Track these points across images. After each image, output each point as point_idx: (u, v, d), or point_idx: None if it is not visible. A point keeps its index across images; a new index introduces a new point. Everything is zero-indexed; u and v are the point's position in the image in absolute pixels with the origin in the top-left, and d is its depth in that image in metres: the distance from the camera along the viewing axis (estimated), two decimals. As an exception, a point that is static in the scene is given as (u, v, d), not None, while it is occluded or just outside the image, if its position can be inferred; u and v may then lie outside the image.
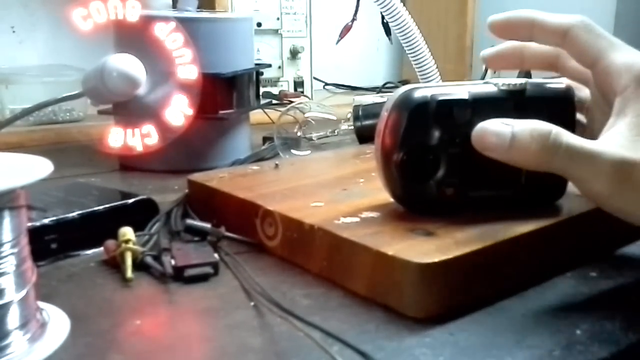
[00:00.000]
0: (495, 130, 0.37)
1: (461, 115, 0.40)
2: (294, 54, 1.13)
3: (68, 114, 0.92)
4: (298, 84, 1.14)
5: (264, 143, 0.78)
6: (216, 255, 0.42)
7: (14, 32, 1.05)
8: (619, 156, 0.35)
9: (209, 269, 0.40)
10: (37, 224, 0.42)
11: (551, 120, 0.41)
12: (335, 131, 0.72)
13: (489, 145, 0.37)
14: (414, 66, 0.80)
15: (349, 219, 0.41)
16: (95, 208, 0.46)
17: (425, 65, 0.79)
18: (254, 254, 0.44)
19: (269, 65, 1.00)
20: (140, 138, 0.65)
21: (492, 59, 0.47)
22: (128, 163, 0.69)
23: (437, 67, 0.80)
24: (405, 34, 0.78)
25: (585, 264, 0.42)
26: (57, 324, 0.34)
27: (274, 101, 1.00)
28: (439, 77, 0.81)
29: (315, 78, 1.19)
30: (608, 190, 0.35)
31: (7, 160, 0.33)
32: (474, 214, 0.40)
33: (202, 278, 0.40)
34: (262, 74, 0.87)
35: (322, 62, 1.25)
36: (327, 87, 1.34)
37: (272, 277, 0.40)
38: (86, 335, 0.33)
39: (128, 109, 0.67)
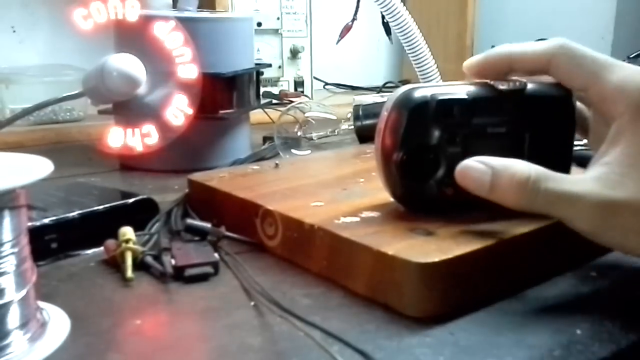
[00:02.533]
0: (475, 172, 0.36)
1: (461, 114, 0.40)
2: (294, 53, 1.13)
3: (68, 113, 0.92)
4: (298, 83, 1.14)
5: (264, 143, 0.78)
6: (216, 254, 0.42)
7: (14, 32, 1.05)
8: (602, 197, 0.34)
9: (209, 269, 0.40)
10: (37, 223, 0.42)
11: (551, 120, 0.41)
12: (336, 131, 0.72)
13: (471, 186, 0.37)
14: (414, 66, 0.80)
15: (349, 219, 0.41)
16: (96, 208, 0.46)
17: (425, 65, 0.79)
18: (254, 254, 0.44)
19: (269, 65, 1.01)
20: (140, 138, 0.65)
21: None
22: (128, 163, 0.69)
23: (437, 67, 0.80)
24: (405, 34, 0.78)
25: (585, 264, 0.42)
26: (57, 323, 0.34)
27: (274, 101, 1.00)
28: (439, 77, 0.81)
29: (315, 78, 1.19)
30: (592, 228, 0.35)
31: (7, 160, 0.33)
32: (474, 214, 0.40)
33: (202, 278, 0.40)
34: (262, 73, 0.87)
35: (322, 62, 1.25)
36: (327, 86, 1.35)
37: (272, 277, 0.40)
38: (86, 335, 0.33)
39: (128, 108, 0.67)
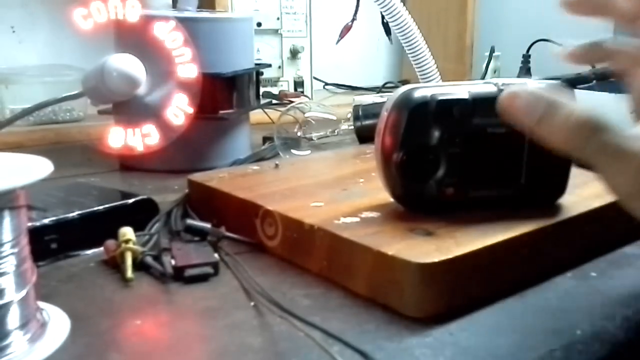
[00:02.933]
0: (527, 98, 0.33)
1: (461, 114, 0.40)
2: (294, 53, 1.13)
3: (68, 113, 0.92)
4: (298, 83, 1.14)
5: (264, 143, 0.78)
6: (216, 255, 0.42)
7: (14, 32, 1.05)
8: None
9: (209, 269, 0.40)
10: (37, 224, 0.42)
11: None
12: (335, 131, 0.72)
13: (517, 111, 0.34)
14: (414, 66, 0.80)
15: (349, 219, 0.41)
16: (95, 208, 0.46)
17: (425, 65, 0.79)
18: (254, 254, 0.44)
19: (269, 65, 1.00)
20: (141, 138, 0.65)
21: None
22: (128, 163, 0.69)
23: (437, 67, 0.80)
24: (405, 34, 0.78)
25: (585, 264, 0.42)
26: (57, 324, 0.34)
27: (274, 101, 1.00)
28: (439, 77, 0.81)
29: (315, 78, 1.19)
30: (633, 191, 0.32)
31: (7, 160, 0.32)
32: (474, 214, 0.40)
33: (202, 278, 0.40)
34: (262, 73, 0.87)
35: (322, 62, 1.24)
36: (327, 87, 1.34)
37: (272, 277, 0.40)
38: (86, 335, 0.33)
39: (128, 108, 0.67)
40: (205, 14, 0.72)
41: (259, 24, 1.09)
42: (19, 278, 0.31)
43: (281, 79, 1.13)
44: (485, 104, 0.40)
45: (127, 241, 0.41)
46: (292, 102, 0.95)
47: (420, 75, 0.80)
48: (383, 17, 0.79)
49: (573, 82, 0.44)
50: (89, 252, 0.44)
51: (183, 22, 0.64)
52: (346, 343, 0.30)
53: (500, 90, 0.40)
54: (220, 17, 0.74)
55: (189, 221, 0.46)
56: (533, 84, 0.41)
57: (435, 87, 0.41)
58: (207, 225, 0.45)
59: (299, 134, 0.71)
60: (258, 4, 1.09)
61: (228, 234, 0.45)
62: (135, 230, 0.43)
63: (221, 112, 0.69)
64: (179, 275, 0.39)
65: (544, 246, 0.40)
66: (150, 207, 0.49)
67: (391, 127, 0.40)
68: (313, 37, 1.14)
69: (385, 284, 0.36)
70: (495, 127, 0.41)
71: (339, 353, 0.29)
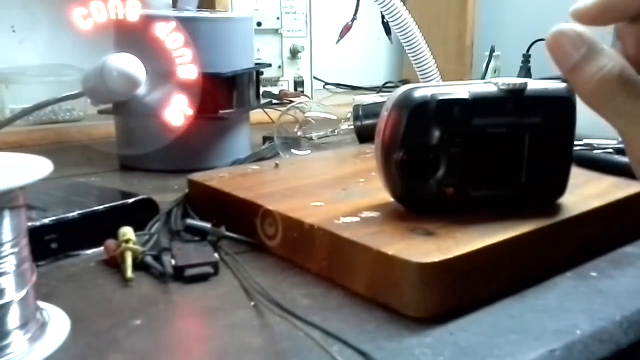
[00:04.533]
0: (569, 42, 0.32)
1: (461, 114, 0.40)
2: (294, 53, 1.13)
3: (68, 113, 0.92)
4: (298, 83, 1.14)
5: (264, 143, 0.78)
6: (216, 254, 0.42)
7: (14, 31, 1.05)
8: None
9: (209, 269, 0.40)
10: (37, 223, 0.42)
11: (551, 120, 0.41)
12: (335, 131, 0.72)
13: (556, 54, 0.32)
14: (414, 66, 0.80)
15: (349, 219, 0.41)
16: (95, 208, 0.46)
17: (425, 64, 0.79)
18: (254, 254, 0.44)
19: (269, 65, 1.00)
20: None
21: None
22: (128, 163, 0.69)
23: (437, 67, 0.80)
24: (405, 34, 0.78)
25: (585, 264, 0.42)
26: (57, 323, 0.34)
27: (274, 101, 1.00)
28: (439, 77, 0.81)
29: (315, 77, 1.19)
30: None
31: (7, 160, 0.32)
32: (474, 214, 0.40)
33: (202, 278, 0.40)
34: (262, 73, 0.87)
35: (322, 62, 1.25)
36: (327, 86, 1.34)
37: (272, 277, 0.40)
38: (86, 335, 0.33)
39: (128, 108, 0.67)
40: (205, 14, 0.72)
41: (259, 24, 1.09)
42: (19, 278, 0.31)
43: (281, 78, 1.13)
44: (485, 104, 0.40)
45: (127, 241, 0.41)
46: (292, 101, 0.95)
47: (420, 75, 0.80)
48: (383, 16, 0.79)
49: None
50: (89, 251, 0.44)
51: (183, 22, 0.64)
52: (346, 343, 0.30)
53: (501, 90, 0.40)
54: (220, 17, 0.74)
55: (189, 221, 0.46)
56: (531, 86, 0.40)
57: (435, 87, 0.41)
58: (207, 225, 0.45)
59: (299, 133, 0.71)
60: (258, 4, 1.09)
61: (228, 233, 0.45)
62: (135, 230, 0.43)
63: (221, 111, 0.69)
64: (179, 275, 0.39)
65: (544, 246, 0.40)
66: (150, 207, 0.49)
67: (391, 126, 0.40)
68: (313, 36, 1.14)
69: (385, 284, 0.36)
70: (495, 127, 0.41)
71: (339, 353, 0.29)
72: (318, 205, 0.44)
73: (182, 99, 0.65)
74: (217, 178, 0.52)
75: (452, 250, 0.35)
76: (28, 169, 0.31)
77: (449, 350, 0.32)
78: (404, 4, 0.78)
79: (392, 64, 1.52)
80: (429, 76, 0.80)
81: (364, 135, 0.70)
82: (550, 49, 0.33)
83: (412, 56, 0.79)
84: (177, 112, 0.65)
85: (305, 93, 1.14)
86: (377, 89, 1.30)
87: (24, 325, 0.31)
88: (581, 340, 0.33)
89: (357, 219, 0.41)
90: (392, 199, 0.42)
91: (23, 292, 0.31)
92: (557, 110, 0.41)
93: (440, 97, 0.40)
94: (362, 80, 1.38)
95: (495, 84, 0.41)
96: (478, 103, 0.40)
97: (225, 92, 0.69)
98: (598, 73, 0.31)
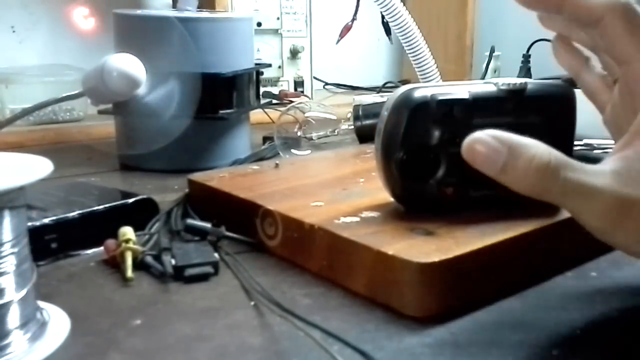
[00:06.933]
0: (486, 148, 0.32)
1: (461, 114, 0.40)
2: (294, 53, 1.13)
3: (68, 113, 0.92)
4: (298, 83, 1.14)
5: (264, 143, 0.78)
6: (216, 254, 0.42)
7: (14, 31, 1.05)
8: (618, 195, 0.32)
9: (209, 269, 0.40)
10: (37, 223, 0.42)
11: (551, 120, 0.41)
12: (336, 131, 0.72)
13: (479, 163, 0.33)
14: (414, 66, 0.80)
15: (349, 219, 0.41)
16: (96, 208, 0.46)
17: (425, 65, 0.79)
18: (254, 254, 0.44)
19: (269, 65, 1.00)
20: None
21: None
22: (128, 163, 0.69)
23: (437, 67, 0.80)
24: (405, 34, 0.78)
25: (585, 264, 0.42)
26: (57, 323, 0.34)
27: (274, 101, 1.00)
28: (439, 77, 0.81)
29: (315, 78, 1.19)
30: (602, 226, 0.32)
31: (7, 160, 0.33)
32: (474, 214, 0.40)
33: (202, 278, 0.40)
34: (262, 73, 0.87)
35: (322, 62, 1.25)
36: (327, 86, 1.34)
37: (272, 277, 0.40)
38: (86, 335, 0.33)
39: (128, 108, 0.67)
40: (205, 14, 0.72)
41: (259, 24, 1.09)
42: (19, 278, 0.31)
43: (281, 78, 1.13)
44: (485, 104, 0.40)
45: (127, 241, 0.41)
46: (292, 101, 0.95)
47: (420, 75, 0.80)
48: (383, 17, 0.79)
49: (573, 82, 0.44)
50: (89, 251, 0.44)
51: (183, 22, 0.64)
52: (346, 342, 0.30)
53: (501, 90, 0.40)
54: (220, 17, 0.74)
55: (189, 221, 0.46)
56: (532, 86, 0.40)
57: (436, 87, 0.41)
58: (207, 225, 0.45)
59: (299, 133, 0.71)
60: (258, 4, 1.09)
61: (228, 233, 0.45)
62: (135, 229, 0.43)
63: (221, 112, 0.69)
64: (179, 275, 0.39)
65: (544, 246, 0.40)
66: (150, 207, 0.49)
67: (391, 126, 0.40)
68: (313, 37, 1.14)
69: (385, 284, 0.36)
70: (495, 127, 0.40)
71: (339, 352, 0.29)
72: (318, 205, 0.44)
73: (182, 99, 0.65)
74: (217, 178, 0.52)
75: (452, 250, 0.35)
76: (28, 169, 0.31)
77: (449, 350, 0.32)
78: (404, 4, 0.78)
79: (392, 64, 1.52)
80: (429, 76, 0.80)
81: (364, 135, 0.70)
82: (471, 159, 0.33)
83: (412, 56, 0.79)
84: (177, 112, 0.65)
85: (305, 93, 1.14)
86: (377, 89, 1.30)
87: (24, 325, 0.31)
88: (581, 340, 0.33)
89: (357, 219, 0.41)
90: (392, 199, 0.42)
91: (23, 292, 0.31)
92: (557, 110, 0.41)
93: (440, 97, 0.40)
94: (362, 80, 1.38)
95: (495, 84, 0.41)
96: (478, 103, 0.40)
97: (225, 92, 0.70)
98: (532, 164, 0.31)
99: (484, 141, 0.32)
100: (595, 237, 0.35)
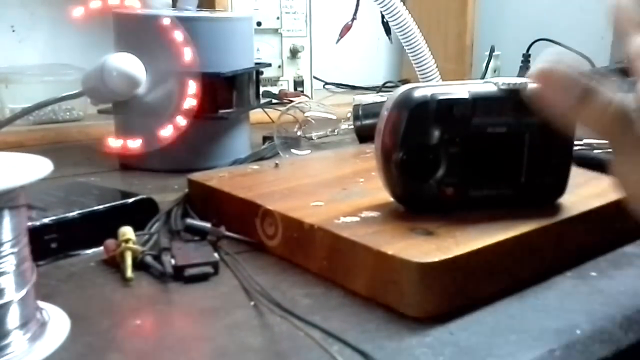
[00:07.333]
0: (564, 75, 0.30)
1: (461, 114, 0.40)
2: (294, 53, 1.13)
3: (68, 113, 0.92)
4: (298, 83, 1.14)
5: (264, 142, 0.78)
6: (216, 254, 0.42)
7: (13, 31, 1.05)
8: None
9: (209, 269, 0.40)
10: (37, 223, 0.42)
11: (551, 120, 0.41)
12: (335, 130, 0.72)
13: (555, 90, 0.30)
14: (414, 66, 0.80)
15: (349, 219, 0.41)
16: (95, 207, 0.46)
17: (425, 64, 0.79)
18: (254, 254, 0.44)
19: (269, 65, 1.00)
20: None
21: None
22: (128, 162, 0.69)
23: (437, 67, 0.80)
24: (405, 34, 0.78)
25: (585, 264, 0.42)
26: (57, 323, 0.34)
27: (274, 100, 1.00)
28: (439, 77, 0.81)
29: (315, 77, 1.19)
30: None
31: (7, 160, 0.32)
32: (474, 214, 0.40)
33: (202, 277, 0.40)
34: (262, 73, 0.87)
35: (322, 62, 1.24)
36: (327, 86, 1.34)
37: (272, 277, 0.40)
38: (86, 335, 0.33)
39: (128, 108, 0.67)
40: (205, 14, 0.72)
41: (258, 24, 1.08)
42: (19, 277, 0.31)
43: (281, 78, 1.13)
44: (485, 104, 0.40)
45: (127, 241, 0.41)
46: (292, 101, 0.95)
47: (420, 74, 0.80)
48: (383, 16, 0.79)
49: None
50: (89, 251, 0.44)
51: (183, 21, 0.64)
52: (346, 342, 0.30)
53: (501, 90, 0.40)
54: (220, 16, 0.74)
55: (189, 221, 0.46)
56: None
57: (436, 87, 0.41)
58: (207, 225, 0.45)
59: (299, 133, 0.71)
60: (258, 4, 1.09)
61: (228, 233, 0.45)
62: (135, 229, 0.43)
63: (221, 111, 0.69)
64: (179, 275, 0.39)
65: (544, 246, 0.40)
66: (150, 207, 0.49)
67: (391, 126, 0.40)
68: (313, 36, 1.14)
69: (385, 284, 0.36)
70: (495, 127, 0.41)
71: (339, 352, 0.29)
72: (318, 205, 0.44)
73: (182, 99, 0.65)
74: (217, 178, 0.52)
75: (452, 250, 0.35)
76: (28, 169, 0.31)
77: (449, 350, 0.32)
78: (404, 4, 0.78)
79: (392, 64, 1.51)
80: (429, 76, 0.80)
81: (364, 135, 0.70)
82: (545, 83, 0.31)
83: (412, 56, 0.79)
84: (177, 111, 0.65)
85: (305, 93, 1.14)
86: (377, 89, 1.30)
87: (24, 325, 0.31)
88: (581, 340, 0.33)
89: (357, 218, 0.41)
90: (392, 199, 0.42)
91: (23, 292, 0.31)
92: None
93: (440, 97, 0.40)
94: (362, 80, 1.38)
95: (495, 84, 0.41)
96: (478, 103, 0.40)
97: (225, 92, 0.69)
98: (609, 108, 0.30)
99: (557, 74, 0.31)
100: (596, 237, 0.34)
